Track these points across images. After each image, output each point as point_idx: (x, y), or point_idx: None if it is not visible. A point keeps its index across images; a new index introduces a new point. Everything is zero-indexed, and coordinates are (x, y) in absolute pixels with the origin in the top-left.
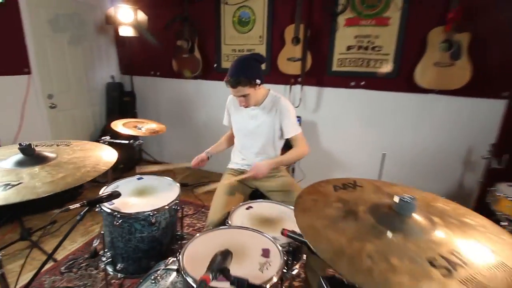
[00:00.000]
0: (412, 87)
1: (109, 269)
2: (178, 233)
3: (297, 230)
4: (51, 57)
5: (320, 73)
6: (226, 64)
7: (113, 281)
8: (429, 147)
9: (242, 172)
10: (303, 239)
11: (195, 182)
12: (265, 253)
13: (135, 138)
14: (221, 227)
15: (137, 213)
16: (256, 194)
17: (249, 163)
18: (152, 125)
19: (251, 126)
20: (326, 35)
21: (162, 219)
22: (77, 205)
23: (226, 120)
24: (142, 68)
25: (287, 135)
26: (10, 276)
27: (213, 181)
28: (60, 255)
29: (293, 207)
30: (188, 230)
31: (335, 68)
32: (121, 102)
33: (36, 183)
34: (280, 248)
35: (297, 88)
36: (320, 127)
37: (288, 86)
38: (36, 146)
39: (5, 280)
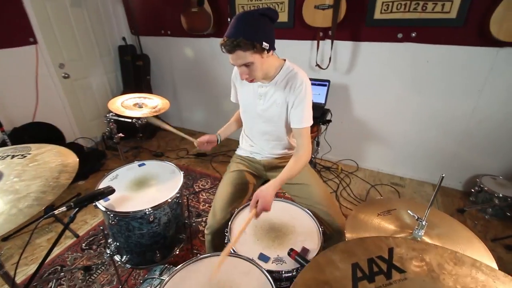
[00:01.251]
0: (483, 40)
1: (117, 259)
2: (186, 221)
3: (310, 246)
4: (55, 23)
5: (357, 23)
6: None
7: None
8: (492, 115)
9: (250, 160)
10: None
11: (213, 151)
12: None
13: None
14: (210, 254)
15: (133, 212)
16: None
17: (258, 151)
18: (155, 101)
19: (259, 108)
20: None
21: (162, 215)
22: (64, 208)
23: (234, 95)
24: (153, 28)
25: (294, 124)
26: (39, 250)
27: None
28: (82, 231)
29: (308, 210)
30: (204, 206)
31: (377, 15)
32: (135, 67)
33: None
34: None
35: (326, 44)
36: (353, 92)
37: (315, 42)
38: None
39: (8, 277)
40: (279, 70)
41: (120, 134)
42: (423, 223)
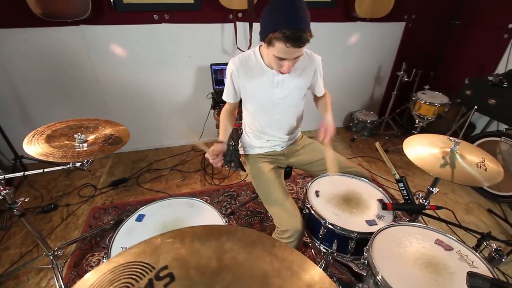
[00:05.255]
0: (349, 17)
1: None
2: None
3: (381, 197)
4: None
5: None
6: None
7: None
8: (353, 71)
9: (271, 154)
10: (414, 206)
11: (133, 172)
12: (446, 247)
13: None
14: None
15: None
16: (287, 172)
17: (278, 142)
18: (104, 130)
19: (276, 96)
20: None
21: None
22: None
23: (230, 94)
24: None
25: (321, 93)
26: None
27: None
28: None
29: (345, 174)
30: None
31: None
32: None
33: None
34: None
35: (241, 26)
36: None
37: (226, 25)
38: None
39: None
40: None
41: (23, 199)
42: (459, 141)
